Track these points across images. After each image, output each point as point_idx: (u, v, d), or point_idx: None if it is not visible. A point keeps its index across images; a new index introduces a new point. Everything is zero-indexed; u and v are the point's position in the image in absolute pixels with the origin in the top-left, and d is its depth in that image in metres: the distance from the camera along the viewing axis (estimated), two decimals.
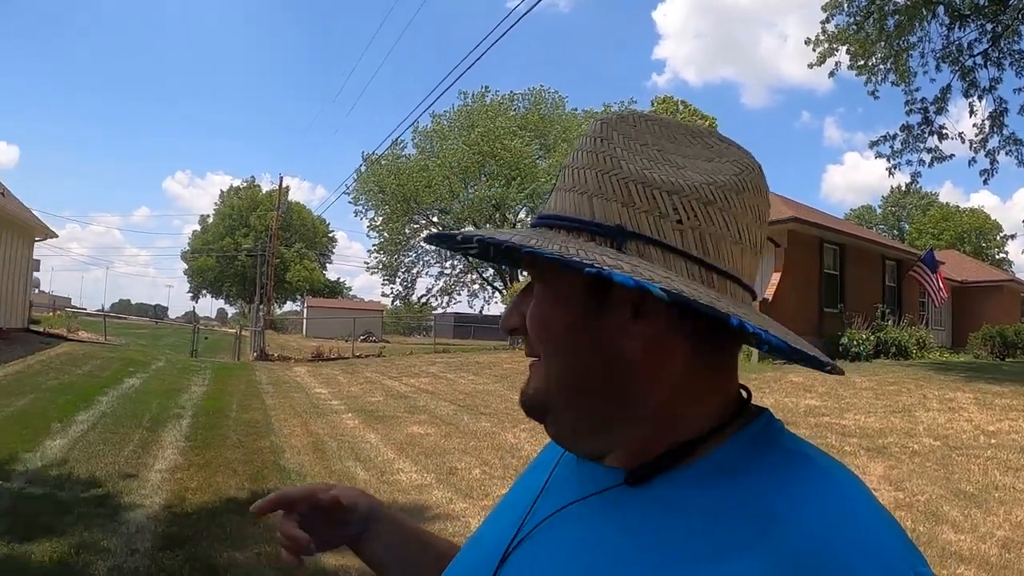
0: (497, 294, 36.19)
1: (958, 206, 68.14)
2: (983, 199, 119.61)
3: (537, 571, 0.72)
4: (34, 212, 22.91)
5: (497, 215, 34.21)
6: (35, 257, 23.95)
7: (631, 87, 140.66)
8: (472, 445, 9.19)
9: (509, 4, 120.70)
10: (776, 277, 16.81)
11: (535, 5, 12.25)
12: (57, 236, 24.39)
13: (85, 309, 62.14)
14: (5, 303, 19.81)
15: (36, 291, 26.85)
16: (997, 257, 59.68)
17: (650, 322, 0.69)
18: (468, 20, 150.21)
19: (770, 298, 16.07)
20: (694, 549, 0.62)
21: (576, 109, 37.96)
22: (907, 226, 68.07)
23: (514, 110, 36.76)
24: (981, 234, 63.41)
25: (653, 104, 41.16)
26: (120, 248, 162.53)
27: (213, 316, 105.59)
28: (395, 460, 8.37)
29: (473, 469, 7.94)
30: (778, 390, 11.43)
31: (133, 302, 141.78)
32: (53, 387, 12.32)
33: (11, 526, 5.19)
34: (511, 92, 37.63)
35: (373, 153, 34.87)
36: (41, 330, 23.64)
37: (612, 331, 0.70)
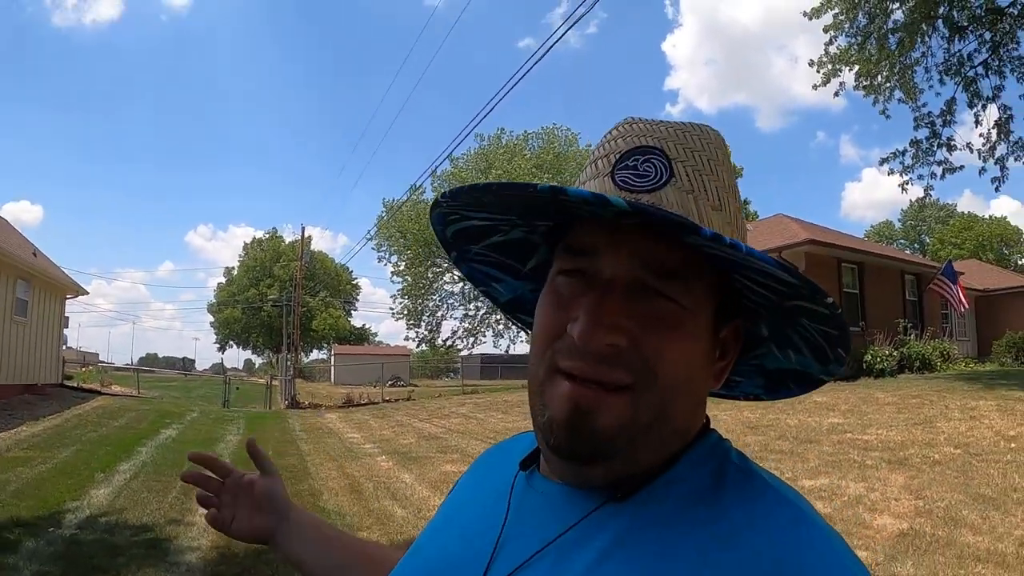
0: (523, 333, 36.16)
1: (979, 215, 67.74)
2: (1004, 206, 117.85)
3: None
4: (63, 270, 23.43)
5: None
6: (65, 314, 24.39)
7: None
8: None
9: (520, 44, 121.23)
10: None
11: (550, 49, 12.40)
12: (87, 293, 24.98)
13: (114, 363, 62.91)
14: (40, 360, 20.24)
15: (65, 347, 27.24)
16: (1021, 263, 59.10)
17: (728, 361, 0.73)
18: (479, 61, 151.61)
19: None
20: (672, 561, 0.60)
21: (590, 145, 38.24)
22: (928, 238, 67.46)
23: (529, 150, 37.19)
24: (1003, 241, 62.89)
25: None
26: (146, 303, 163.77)
27: (240, 367, 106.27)
28: (430, 497, 8.50)
29: None
30: (801, 410, 11.49)
31: (160, 355, 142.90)
32: (93, 439, 12.61)
33: (66, 569, 5.43)
34: (525, 132, 38.18)
35: (394, 200, 35.38)
36: (75, 385, 24.21)
37: (718, 366, 0.72)
